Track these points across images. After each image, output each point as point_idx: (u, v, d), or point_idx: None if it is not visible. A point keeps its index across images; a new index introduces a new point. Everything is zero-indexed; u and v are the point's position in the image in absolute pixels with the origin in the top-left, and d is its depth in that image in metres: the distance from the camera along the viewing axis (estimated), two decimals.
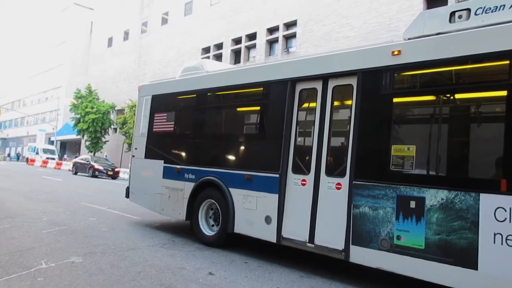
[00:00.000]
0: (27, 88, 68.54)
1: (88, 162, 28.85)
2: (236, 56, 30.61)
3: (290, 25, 27.00)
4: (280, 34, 27.20)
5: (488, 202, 4.14)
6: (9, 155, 64.99)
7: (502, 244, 4.02)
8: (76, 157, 38.51)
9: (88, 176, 27.49)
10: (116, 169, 29.21)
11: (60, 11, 61.91)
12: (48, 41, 64.42)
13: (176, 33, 36.37)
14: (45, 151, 45.23)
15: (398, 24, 19.83)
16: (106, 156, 37.50)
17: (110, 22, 47.03)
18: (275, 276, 5.46)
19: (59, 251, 5.88)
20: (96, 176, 27.49)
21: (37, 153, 44.46)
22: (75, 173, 29.35)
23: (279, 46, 27.31)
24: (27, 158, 45.61)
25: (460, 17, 4.85)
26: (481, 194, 4.19)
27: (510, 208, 3.99)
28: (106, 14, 48.38)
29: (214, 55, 31.65)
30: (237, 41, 30.53)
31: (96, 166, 28.14)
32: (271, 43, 28.34)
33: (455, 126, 4.82)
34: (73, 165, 30.72)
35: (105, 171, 28.04)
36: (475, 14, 4.73)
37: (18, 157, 56.72)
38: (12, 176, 21.71)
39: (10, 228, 7.23)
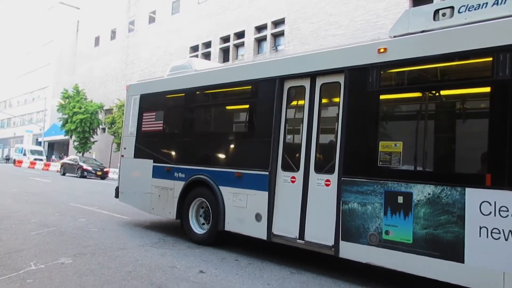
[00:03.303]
0: (13, 89, 67.58)
1: (76, 163, 28.53)
2: (225, 54, 30.57)
3: (278, 23, 27.04)
4: (268, 32, 27.23)
5: (473, 196, 4.23)
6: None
7: (487, 237, 4.10)
8: (61, 158, 38.10)
9: (76, 177, 27.23)
10: (105, 169, 28.95)
11: (46, 10, 61.08)
12: (34, 41, 63.52)
13: (164, 32, 36.16)
14: (33, 152, 44.68)
15: (385, 22, 19.98)
16: (93, 156, 37.17)
17: (96, 21, 46.55)
18: (266, 273, 5.50)
19: (48, 252, 5.84)
20: (85, 177, 27.24)
21: (24, 154, 43.90)
22: (63, 174, 29.04)
23: (267, 44, 27.35)
24: (14, 160, 44.98)
25: (444, 15, 4.93)
26: (466, 189, 4.27)
27: (495, 202, 4.08)
28: (92, 13, 47.88)
29: (203, 54, 31.57)
30: (226, 39, 30.49)
31: (85, 166, 27.88)
32: (260, 41, 28.37)
33: (441, 122, 4.91)
34: (61, 166, 30.35)
35: (94, 172, 27.76)
36: (459, 12, 4.81)
37: (8, 159, 54.45)
38: None
39: None
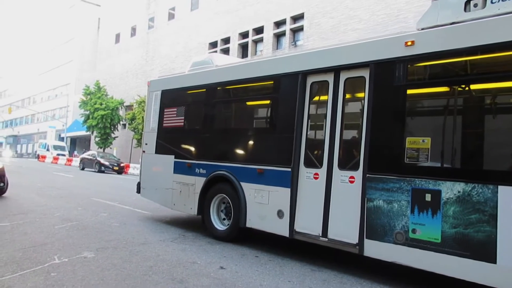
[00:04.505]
0: (37, 86, 69.11)
1: (94, 158, 29.34)
2: (244, 50, 30.52)
3: (297, 18, 26.82)
4: (287, 27, 27.04)
5: (506, 194, 4.05)
6: (17, 152, 63.97)
7: None
8: (84, 152, 39.03)
9: (95, 171, 27.79)
10: (122, 164, 29.66)
11: (68, 8, 62.15)
12: (56, 38, 64.80)
13: (183, 28, 36.34)
14: (56, 147, 45.63)
15: (407, 15, 19.60)
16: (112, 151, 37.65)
17: (117, 18, 47.16)
18: (286, 269, 5.43)
19: (72, 246, 5.90)
20: (103, 171, 27.90)
21: (47, 150, 44.88)
22: (83, 169, 29.83)
23: (286, 40, 27.16)
24: (38, 155, 46.11)
25: (475, 5, 4.73)
26: (499, 187, 4.10)
27: None
28: (113, 10, 48.52)
29: (222, 50, 31.59)
30: (244, 35, 30.43)
31: (102, 161, 28.67)
32: (278, 36, 28.20)
33: (471, 117, 4.71)
34: (81, 161, 31.23)
35: (111, 166, 28.54)
36: (492, 2, 4.61)
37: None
38: (24, 172, 21.91)
39: (23, 224, 7.28)
